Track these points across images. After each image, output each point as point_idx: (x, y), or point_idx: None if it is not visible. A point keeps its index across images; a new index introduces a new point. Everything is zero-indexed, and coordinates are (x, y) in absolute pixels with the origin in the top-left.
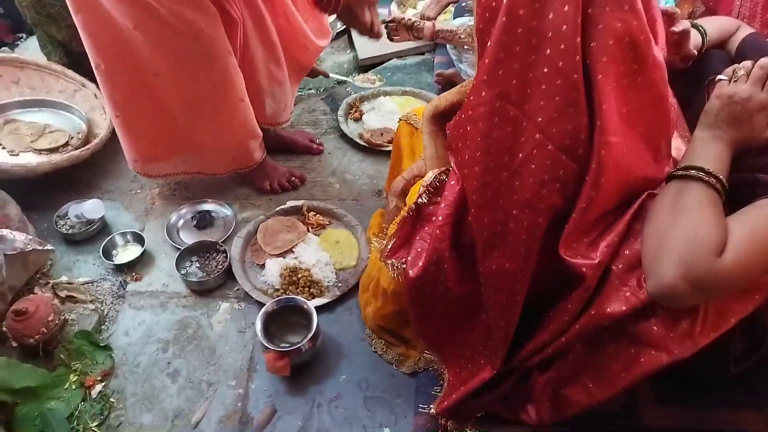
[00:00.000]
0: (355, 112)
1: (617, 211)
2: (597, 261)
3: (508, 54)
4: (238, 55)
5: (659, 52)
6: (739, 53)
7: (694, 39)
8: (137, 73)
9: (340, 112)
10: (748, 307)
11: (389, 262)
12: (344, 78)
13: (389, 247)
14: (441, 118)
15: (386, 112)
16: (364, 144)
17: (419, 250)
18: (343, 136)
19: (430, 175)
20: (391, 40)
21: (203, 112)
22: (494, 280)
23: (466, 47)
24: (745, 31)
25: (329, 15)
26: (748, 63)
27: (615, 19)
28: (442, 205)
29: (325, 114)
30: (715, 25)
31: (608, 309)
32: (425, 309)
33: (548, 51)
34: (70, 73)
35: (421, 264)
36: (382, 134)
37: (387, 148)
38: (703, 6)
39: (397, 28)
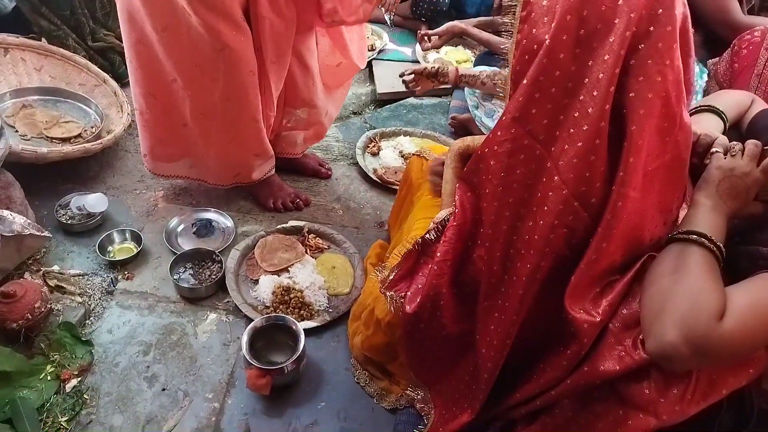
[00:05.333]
0: (374, 146)
1: (619, 270)
2: (598, 319)
3: (544, 94)
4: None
5: (687, 114)
6: (749, 130)
7: (717, 125)
8: (156, 75)
9: (359, 144)
10: (741, 380)
11: (388, 294)
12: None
13: (390, 278)
14: (467, 159)
15: (404, 152)
16: (376, 179)
17: (419, 286)
18: (353, 165)
19: (443, 213)
20: (411, 90)
21: (214, 123)
22: (490, 320)
23: (484, 93)
24: (759, 105)
25: None
26: (739, 143)
27: (656, 73)
28: (442, 241)
29: (337, 141)
30: (731, 103)
31: (601, 367)
32: (420, 345)
33: (582, 96)
34: (93, 67)
35: (418, 299)
36: (396, 172)
37: (396, 187)
38: (717, 86)
39: (418, 79)
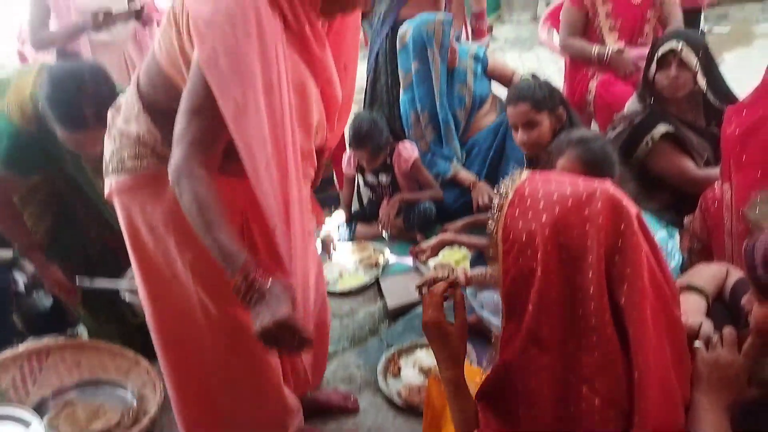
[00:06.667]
0: (394, 367)
1: None
2: None
3: (550, 315)
4: None
5: (679, 311)
6: (731, 301)
7: (699, 304)
8: (185, 367)
9: (379, 368)
10: None
11: None
12: None
13: None
14: (444, 337)
15: (424, 367)
16: (401, 405)
17: None
18: (378, 391)
19: None
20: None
21: (244, 399)
22: None
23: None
24: (734, 275)
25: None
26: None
27: (637, 278)
28: None
29: (359, 368)
30: (708, 279)
31: None
32: None
33: (581, 311)
34: (127, 351)
35: None
36: (420, 391)
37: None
38: (700, 243)
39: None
